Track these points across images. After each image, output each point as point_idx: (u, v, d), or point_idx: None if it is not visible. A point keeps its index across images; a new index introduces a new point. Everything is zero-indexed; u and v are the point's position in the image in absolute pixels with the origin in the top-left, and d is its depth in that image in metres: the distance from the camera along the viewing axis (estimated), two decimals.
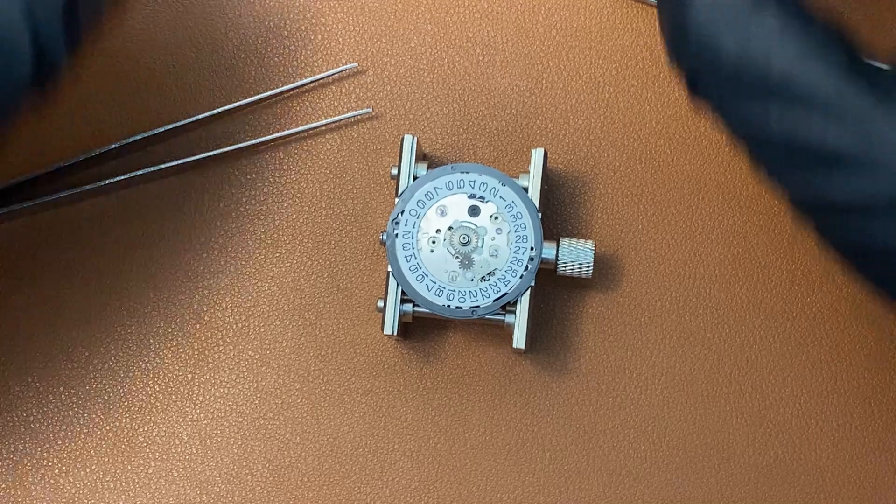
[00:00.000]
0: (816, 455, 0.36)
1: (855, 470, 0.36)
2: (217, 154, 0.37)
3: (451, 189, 0.34)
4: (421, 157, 0.36)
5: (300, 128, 0.37)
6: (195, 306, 0.37)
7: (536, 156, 0.35)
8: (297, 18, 0.38)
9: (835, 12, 0.29)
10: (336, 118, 0.37)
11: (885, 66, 0.27)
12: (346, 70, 0.37)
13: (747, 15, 0.27)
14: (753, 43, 0.27)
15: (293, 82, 0.37)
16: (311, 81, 0.37)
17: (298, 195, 0.37)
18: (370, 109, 0.37)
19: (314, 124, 0.37)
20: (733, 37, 0.27)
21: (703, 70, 0.28)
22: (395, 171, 0.35)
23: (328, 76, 0.37)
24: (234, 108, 0.37)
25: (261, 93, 0.37)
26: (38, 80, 0.28)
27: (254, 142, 0.37)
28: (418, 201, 0.34)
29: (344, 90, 0.38)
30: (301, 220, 0.37)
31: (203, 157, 0.37)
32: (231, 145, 0.37)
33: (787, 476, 0.36)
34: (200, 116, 0.37)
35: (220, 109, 0.37)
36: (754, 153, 0.29)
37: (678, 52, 0.29)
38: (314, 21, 0.38)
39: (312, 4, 0.38)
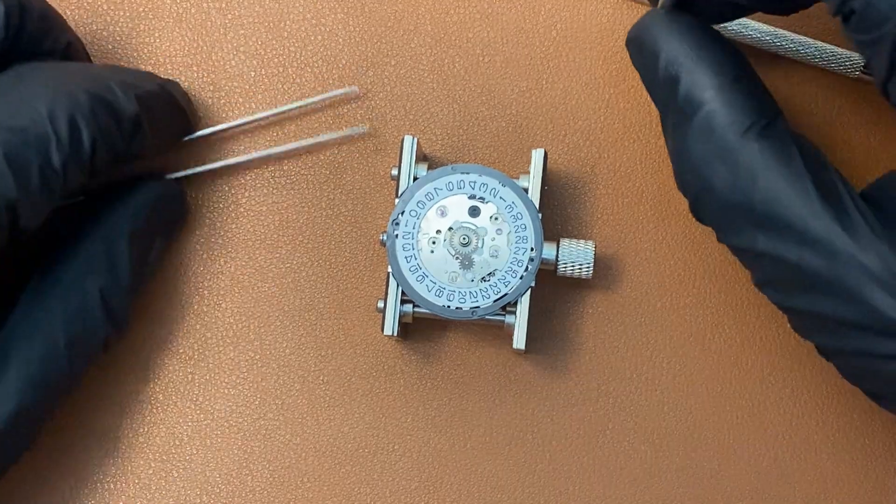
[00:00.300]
0: (816, 455, 0.36)
1: (855, 470, 0.36)
2: (217, 168, 0.37)
3: (451, 190, 0.34)
4: (421, 157, 0.36)
5: (298, 143, 0.37)
6: (195, 307, 0.37)
7: (536, 156, 0.35)
8: (297, 19, 0.38)
9: (814, 140, 0.30)
10: (332, 135, 0.37)
11: (855, 193, 0.29)
12: (345, 94, 0.37)
13: (733, 149, 0.29)
14: (739, 175, 0.29)
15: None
16: (311, 103, 0.37)
17: (298, 195, 0.37)
18: (366, 127, 0.37)
19: (311, 140, 0.37)
20: (723, 169, 0.29)
21: (701, 199, 0.30)
22: (395, 172, 0.35)
23: (329, 98, 0.37)
24: (240, 124, 0.37)
25: (262, 106, 0.37)
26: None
27: (253, 156, 0.37)
28: (418, 202, 0.34)
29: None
30: (301, 221, 0.37)
31: (203, 171, 0.37)
32: (232, 158, 0.37)
33: (787, 476, 0.36)
34: (205, 132, 0.37)
35: (224, 126, 0.37)
36: (753, 275, 0.31)
37: (681, 181, 0.31)
38: (314, 21, 0.38)
39: (312, 5, 0.38)
